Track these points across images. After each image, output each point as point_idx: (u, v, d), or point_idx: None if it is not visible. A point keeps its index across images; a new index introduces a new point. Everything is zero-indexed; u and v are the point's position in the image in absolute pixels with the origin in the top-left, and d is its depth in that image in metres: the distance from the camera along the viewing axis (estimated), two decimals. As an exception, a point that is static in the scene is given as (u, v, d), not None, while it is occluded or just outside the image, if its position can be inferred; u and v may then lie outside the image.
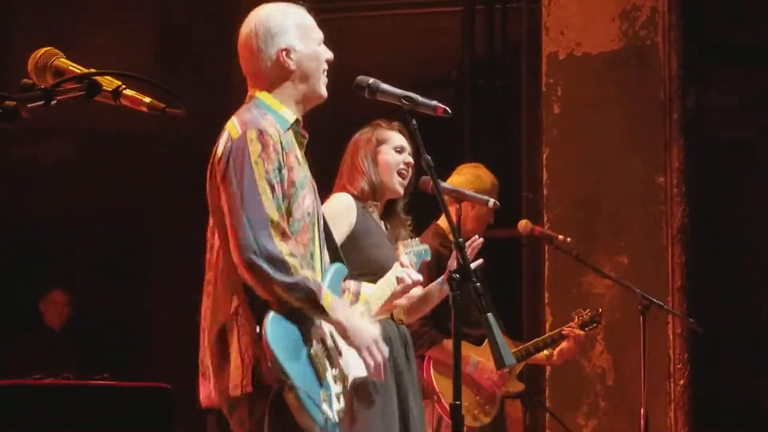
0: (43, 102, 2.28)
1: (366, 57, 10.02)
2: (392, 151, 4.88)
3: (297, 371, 3.56)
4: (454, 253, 4.62)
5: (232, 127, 3.72)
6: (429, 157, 3.82)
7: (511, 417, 6.58)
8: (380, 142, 4.92)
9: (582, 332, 5.93)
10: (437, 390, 5.72)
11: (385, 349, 3.83)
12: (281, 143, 3.68)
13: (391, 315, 4.79)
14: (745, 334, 7.07)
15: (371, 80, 3.92)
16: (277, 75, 3.85)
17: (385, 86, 3.92)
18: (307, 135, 3.90)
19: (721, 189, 7.19)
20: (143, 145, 9.64)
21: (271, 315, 3.56)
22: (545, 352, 6.00)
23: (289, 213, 3.67)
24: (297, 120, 3.82)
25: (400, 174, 4.86)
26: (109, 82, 2.52)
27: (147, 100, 2.57)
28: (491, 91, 8.88)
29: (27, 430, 2.40)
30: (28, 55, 2.65)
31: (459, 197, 5.12)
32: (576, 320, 6.02)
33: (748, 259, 7.16)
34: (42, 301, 9.12)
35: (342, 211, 4.78)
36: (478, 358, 5.78)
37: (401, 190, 4.88)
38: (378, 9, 9.92)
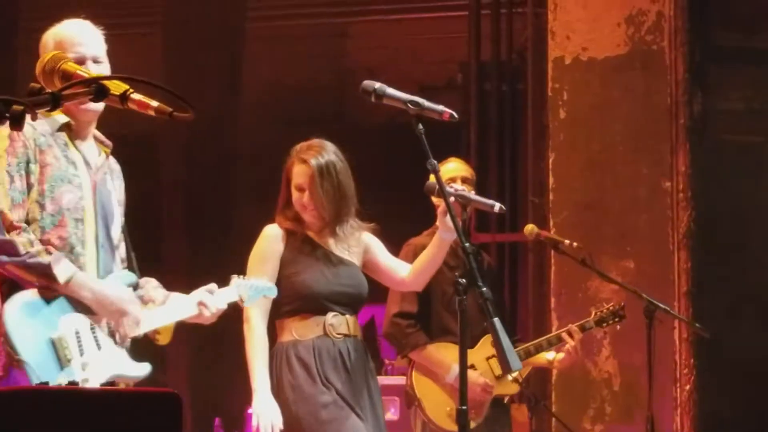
0: (51, 106, 2.28)
1: (372, 61, 10.03)
2: (294, 190, 5.00)
3: (32, 349, 3.70)
4: (442, 206, 4.67)
5: None
6: (435, 162, 3.83)
7: (516, 421, 6.56)
8: (289, 180, 5.04)
9: (578, 337, 5.88)
10: (418, 396, 5.73)
11: (135, 329, 3.99)
12: (36, 140, 3.83)
13: (349, 331, 4.96)
14: (751, 338, 7.04)
15: (377, 85, 3.92)
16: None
17: (391, 90, 3.92)
18: (109, 144, 4.11)
19: (728, 193, 7.17)
20: (143, 147, 9.64)
21: (18, 295, 3.75)
22: (547, 356, 5.97)
23: (42, 207, 3.84)
24: (68, 123, 3.93)
25: (303, 207, 4.99)
26: (116, 86, 2.52)
27: (154, 103, 2.57)
28: (497, 95, 8.86)
29: (33, 434, 2.39)
30: (35, 60, 2.65)
31: (464, 201, 5.12)
32: (593, 315, 5.97)
33: (754, 264, 7.14)
34: None
35: (266, 245, 4.99)
36: (455, 372, 5.70)
37: (312, 219, 4.98)
38: (384, 13, 9.92)
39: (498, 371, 5.77)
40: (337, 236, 5.00)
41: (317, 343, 4.90)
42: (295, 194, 4.99)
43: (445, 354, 5.70)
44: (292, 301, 4.94)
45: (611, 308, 5.99)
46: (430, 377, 5.77)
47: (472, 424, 5.60)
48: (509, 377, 5.76)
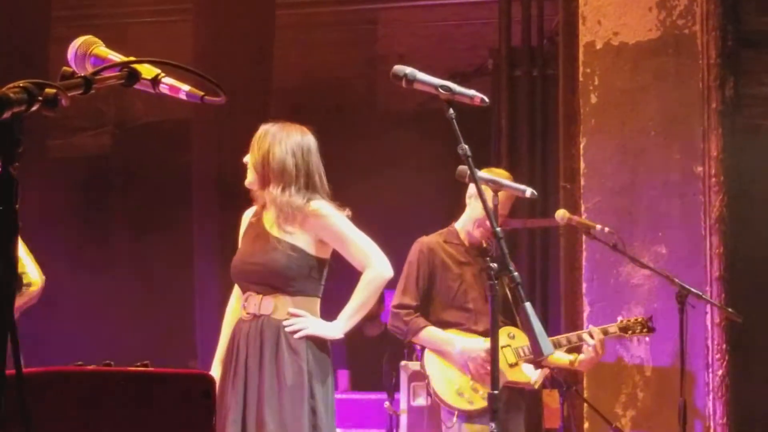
0: (83, 90, 2.29)
1: (403, 47, 10.02)
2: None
3: None
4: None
5: None
6: (466, 147, 3.83)
7: (548, 407, 6.56)
8: None
9: (599, 338, 5.83)
10: (427, 373, 5.76)
11: None
12: None
13: (258, 311, 4.87)
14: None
15: (408, 69, 3.92)
16: None
17: (422, 75, 3.91)
18: None
19: (760, 178, 7.13)
20: (176, 133, 9.69)
21: None
22: (569, 357, 5.96)
23: None
24: None
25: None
26: (148, 71, 2.52)
27: (186, 88, 2.57)
28: (528, 80, 8.86)
29: (69, 415, 2.41)
30: (67, 44, 2.66)
31: (496, 187, 5.11)
32: (619, 322, 5.97)
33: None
34: None
35: (240, 231, 5.06)
36: (461, 344, 5.71)
37: (250, 184, 4.94)
38: (414, -1, 9.92)
39: (511, 359, 5.77)
40: (269, 209, 4.89)
41: (237, 326, 4.90)
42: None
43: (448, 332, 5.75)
44: (239, 279, 5.02)
45: (639, 319, 5.98)
46: (439, 356, 5.79)
47: (483, 403, 5.57)
48: (532, 377, 5.78)
